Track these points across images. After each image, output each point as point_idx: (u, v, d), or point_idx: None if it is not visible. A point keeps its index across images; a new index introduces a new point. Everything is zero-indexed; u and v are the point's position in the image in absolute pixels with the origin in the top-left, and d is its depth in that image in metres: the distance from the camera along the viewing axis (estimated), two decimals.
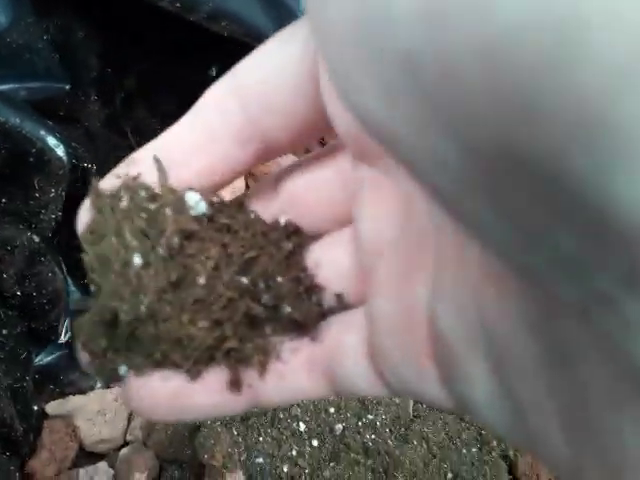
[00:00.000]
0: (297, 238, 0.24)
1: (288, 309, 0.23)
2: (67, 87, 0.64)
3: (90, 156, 0.65)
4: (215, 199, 0.23)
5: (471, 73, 0.10)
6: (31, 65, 0.60)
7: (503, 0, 0.09)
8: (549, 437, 0.16)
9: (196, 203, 0.22)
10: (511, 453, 0.62)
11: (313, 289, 0.24)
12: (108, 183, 0.22)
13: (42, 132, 0.57)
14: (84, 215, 0.23)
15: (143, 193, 0.22)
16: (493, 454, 0.60)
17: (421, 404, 0.67)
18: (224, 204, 0.23)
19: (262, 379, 0.23)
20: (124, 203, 0.22)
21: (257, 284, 0.23)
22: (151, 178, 0.22)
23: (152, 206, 0.22)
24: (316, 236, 0.24)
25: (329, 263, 0.24)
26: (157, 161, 0.22)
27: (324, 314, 0.23)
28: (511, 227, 0.12)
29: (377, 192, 0.21)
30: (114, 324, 0.21)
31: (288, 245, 0.24)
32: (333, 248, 0.24)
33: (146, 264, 0.21)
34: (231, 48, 0.68)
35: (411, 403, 0.65)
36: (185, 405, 0.22)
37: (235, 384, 0.22)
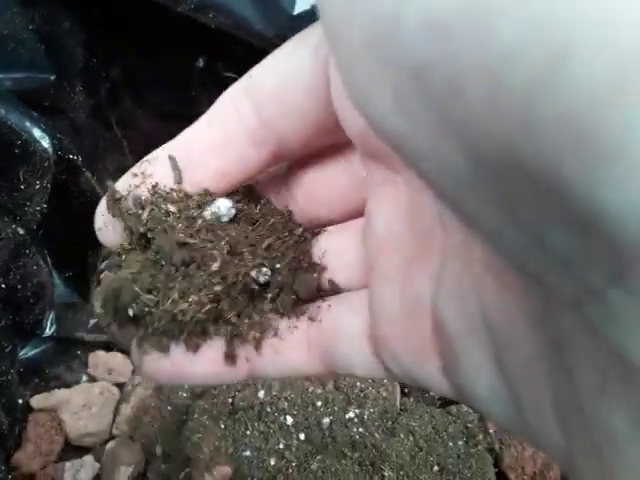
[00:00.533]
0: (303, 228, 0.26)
1: (286, 280, 0.24)
2: (52, 78, 0.63)
3: (76, 147, 0.64)
4: (236, 198, 0.24)
5: (475, 88, 0.11)
6: (16, 55, 0.59)
7: (502, 22, 0.10)
8: (544, 425, 0.17)
9: (228, 210, 0.24)
10: (497, 446, 0.62)
11: (313, 267, 0.25)
12: (125, 182, 0.23)
13: (27, 124, 0.56)
14: (100, 220, 0.24)
15: (169, 206, 0.23)
16: (479, 447, 0.61)
17: (408, 398, 0.67)
18: (243, 197, 0.25)
19: (258, 353, 0.24)
20: (155, 214, 0.23)
21: (261, 263, 0.24)
22: (167, 177, 0.23)
23: (191, 212, 0.23)
24: (323, 226, 0.26)
25: (335, 252, 0.25)
26: (172, 160, 0.23)
27: (320, 291, 0.25)
28: (512, 227, 0.12)
29: (387, 188, 0.22)
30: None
31: (298, 230, 0.25)
32: (339, 239, 0.26)
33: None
34: (219, 39, 0.67)
35: (398, 397, 0.65)
36: (185, 372, 0.24)
37: (230, 357, 0.24)
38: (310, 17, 0.65)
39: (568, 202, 0.11)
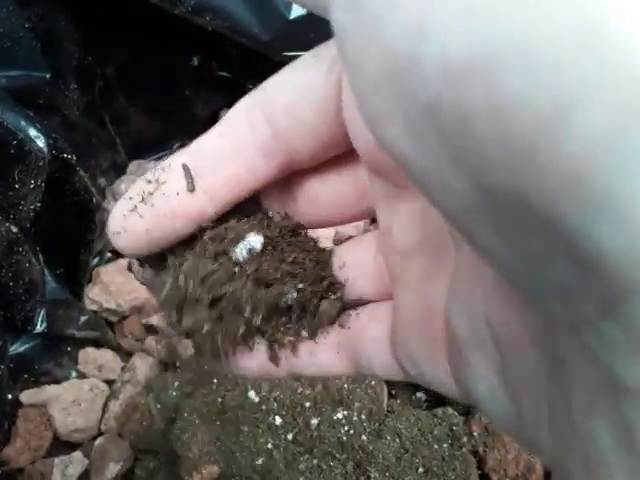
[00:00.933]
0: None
1: (309, 305, 0.27)
2: (47, 76, 0.63)
3: (70, 146, 0.64)
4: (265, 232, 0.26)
5: (484, 129, 0.12)
6: (12, 54, 0.59)
7: (510, 74, 0.11)
8: (539, 432, 0.18)
9: (257, 243, 0.25)
10: (480, 449, 0.63)
11: (335, 287, 0.27)
12: (139, 187, 0.24)
13: (23, 123, 0.56)
14: (117, 224, 0.24)
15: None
16: (463, 450, 0.62)
17: (395, 400, 0.68)
18: (274, 230, 0.26)
19: (295, 355, 0.27)
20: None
21: (287, 285, 0.26)
22: (180, 185, 0.24)
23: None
24: (322, 227, 0.28)
25: (354, 264, 0.27)
26: (185, 169, 0.24)
27: (346, 308, 0.27)
28: (512, 254, 0.13)
29: (397, 202, 0.23)
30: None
31: (319, 256, 0.27)
32: (357, 250, 0.27)
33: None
34: (213, 39, 0.67)
35: (385, 399, 0.66)
36: (244, 366, 0.28)
37: (274, 358, 0.27)
38: (306, 22, 0.65)
39: (565, 238, 0.11)
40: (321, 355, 0.27)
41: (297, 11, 0.63)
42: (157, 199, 0.24)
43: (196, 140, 0.24)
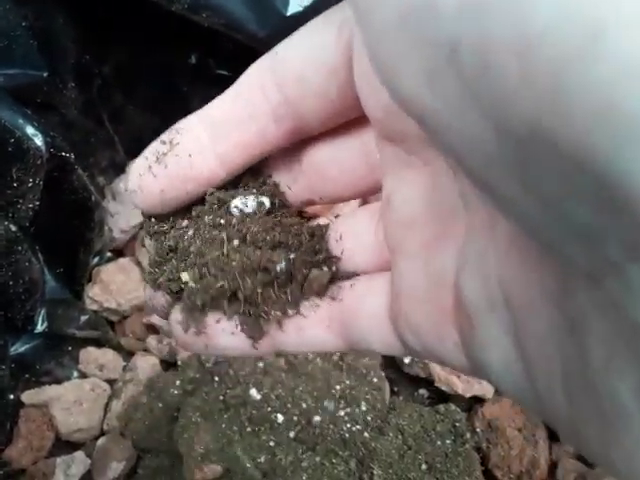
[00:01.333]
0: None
1: (297, 274, 0.26)
2: (45, 74, 0.63)
3: (68, 144, 0.64)
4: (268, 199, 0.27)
5: (508, 64, 0.11)
6: (9, 52, 0.59)
7: (541, 3, 0.11)
8: (552, 396, 0.17)
9: (253, 205, 0.26)
10: (484, 445, 0.63)
11: (330, 261, 0.26)
12: (153, 148, 0.25)
13: (20, 121, 0.56)
14: (135, 181, 0.25)
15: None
16: (466, 446, 0.61)
17: (398, 396, 0.68)
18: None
19: (282, 330, 0.26)
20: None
21: (279, 256, 0.25)
22: (192, 147, 0.24)
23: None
24: (330, 202, 0.27)
25: (352, 236, 0.26)
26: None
27: (338, 279, 0.26)
28: (536, 200, 0.13)
29: (405, 170, 0.23)
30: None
31: (316, 229, 0.27)
32: (355, 222, 0.27)
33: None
34: (211, 37, 0.67)
35: (387, 396, 0.66)
36: (210, 343, 0.26)
37: (258, 333, 0.26)
38: (303, 18, 0.65)
39: (591, 175, 0.11)
40: (310, 331, 0.26)
41: (294, 7, 0.63)
42: (170, 160, 0.24)
43: (209, 104, 0.25)
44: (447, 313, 0.22)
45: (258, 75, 0.24)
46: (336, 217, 0.28)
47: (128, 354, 0.77)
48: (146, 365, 0.74)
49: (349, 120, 0.25)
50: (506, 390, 0.20)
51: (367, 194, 0.27)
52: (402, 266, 0.23)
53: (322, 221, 0.28)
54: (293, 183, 0.27)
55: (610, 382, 0.14)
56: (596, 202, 0.11)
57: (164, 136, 0.25)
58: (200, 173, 0.25)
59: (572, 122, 0.11)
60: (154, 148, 0.25)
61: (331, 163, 0.26)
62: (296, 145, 0.26)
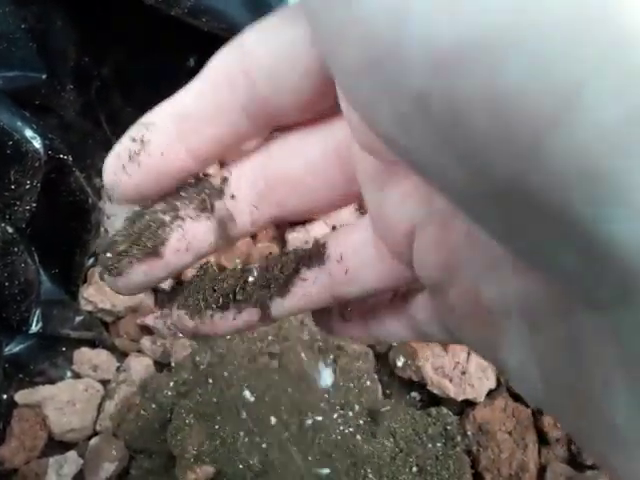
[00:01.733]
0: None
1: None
2: (43, 77, 0.63)
3: (66, 147, 0.65)
4: None
5: (480, 118, 0.11)
6: (8, 54, 0.59)
7: (511, 58, 0.10)
8: (564, 404, 0.18)
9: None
10: (474, 448, 0.64)
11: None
12: (124, 146, 0.24)
13: (19, 124, 0.56)
14: (111, 177, 0.24)
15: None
16: (457, 449, 0.62)
17: (390, 399, 0.69)
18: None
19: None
20: None
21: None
22: (165, 145, 0.23)
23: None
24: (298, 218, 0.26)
25: (353, 254, 0.25)
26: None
27: (346, 308, 0.27)
28: (521, 242, 0.13)
29: (397, 177, 0.22)
30: None
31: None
32: (351, 239, 0.25)
33: None
34: (209, 40, 0.68)
35: (380, 398, 0.67)
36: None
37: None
38: None
39: (576, 233, 0.11)
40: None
41: None
42: (143, 159, 0.24)
43: (175, 98, 0.23)
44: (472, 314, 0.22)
45: (224, 69, 0.22)
46: (333, 229, 0.27)
47: (122, 355, 0.77)
48: (140, 366, 0.74)
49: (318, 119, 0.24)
50: (524, 393, 0.21)
51: (342, 204, 0.25)
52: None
53: (318, 229, 0.27)
54: (258, 200, 0.25)
55: (608, 403, 0.15)
56: (580, 254, 0.12)
57: (133, 133, 0.24)
58: (173, 168, 0.24)
59: (551, 181, 0.11)
60: (125, 146, 0.24)
61: (304, 172, 0.24)
62: (260, 154, 0.25)
